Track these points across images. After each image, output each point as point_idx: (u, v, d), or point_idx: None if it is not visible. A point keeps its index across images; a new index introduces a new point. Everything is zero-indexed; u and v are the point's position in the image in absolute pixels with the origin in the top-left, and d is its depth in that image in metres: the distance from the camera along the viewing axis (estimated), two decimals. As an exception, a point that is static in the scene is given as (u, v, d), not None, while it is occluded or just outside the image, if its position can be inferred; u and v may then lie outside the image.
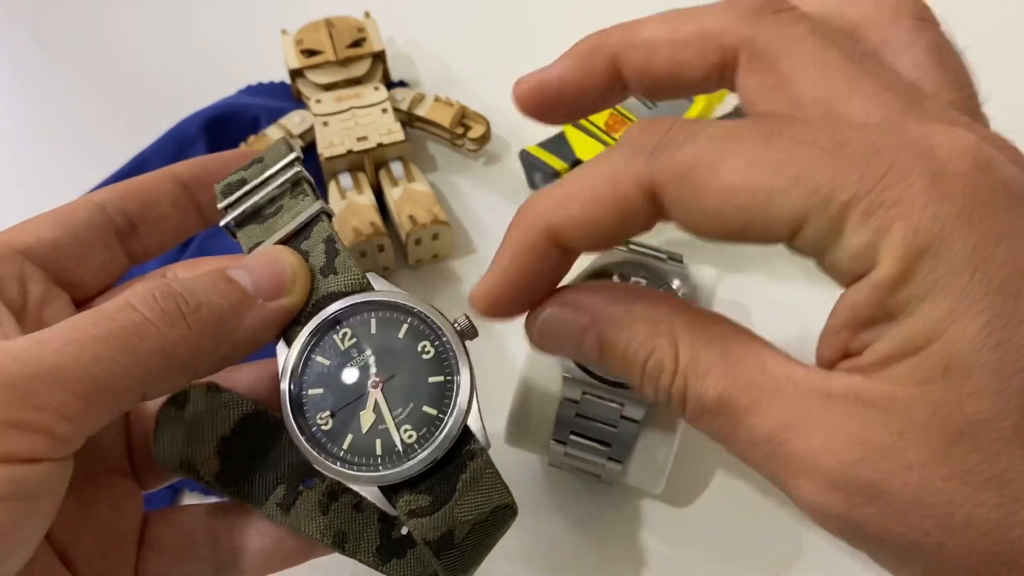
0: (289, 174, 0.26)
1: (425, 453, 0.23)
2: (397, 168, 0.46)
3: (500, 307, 0.22)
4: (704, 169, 0.18)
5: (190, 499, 0.38)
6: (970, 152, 0.17)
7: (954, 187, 0.16)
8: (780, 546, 0.36)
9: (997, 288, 0.16)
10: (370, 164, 0.46)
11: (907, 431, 0.16)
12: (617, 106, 0.45)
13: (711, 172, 0.18)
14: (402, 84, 0.53)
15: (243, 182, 0.26)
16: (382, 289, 0.25)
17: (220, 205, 0.26)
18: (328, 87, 0.48)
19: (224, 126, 0.49)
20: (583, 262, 0.36)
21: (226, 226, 0.26)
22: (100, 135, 0.52)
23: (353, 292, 0.24)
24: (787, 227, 0.17)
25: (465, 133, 0.48)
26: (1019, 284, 0.16)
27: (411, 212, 0.43)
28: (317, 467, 0.23)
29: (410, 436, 0.23)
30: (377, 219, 0.43)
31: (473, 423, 0.23)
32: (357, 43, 0.49)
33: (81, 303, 0.26)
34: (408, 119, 0.49)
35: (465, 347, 0.24)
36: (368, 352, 0.24)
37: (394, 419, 0.23)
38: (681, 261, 0.36)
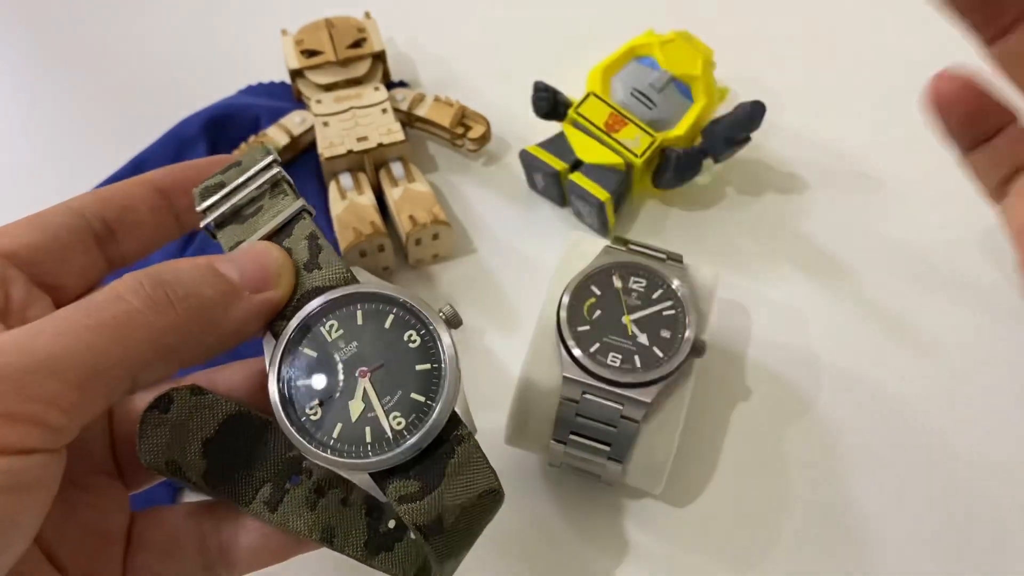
0: (268, 175, 0.26)
1: (414, 439, 0.23)
2: (397, 168, 0.46)
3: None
4: None
5: (191, 497, 0.38)
6: None
7: None
8: (780, 546, 0.36)
9: None
10: (370, 164, 0.46)
11: None
12: (616, 105, 0.45)
13: None
14: (402, 84, 0.53)
15: (221, 185, 0.26)
16: (368, 281, 0.25)
17: (199, 208, 0.26)
18: (328, 87, 0.48)
19: (224, 126, 0.49)
20: (582, 263, 0.36)
21: (206, 227, 0.26)
22: (100, 135, 0.52)
23: (338, 285, 0.25)
24: None
25: (465, 133, 0.48)
26: None
27: (411, 212, 0.43)
28: (308, 457, 0.24)
29: (399, 423, 0.23)
30: (377, 219, 0.43)
31: (460, 409, 0.24)
32: (357, 43, 0.49)
33: (62, 306, 0.26)
34: (408, 119, 0.49)
35: (450, 335, 0.25)
36: (355, 343, 0.24)
37: (383, 406, 0.24)
38: (681, 261, 0.36)
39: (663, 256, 0.36)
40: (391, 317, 0.25)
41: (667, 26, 0.48)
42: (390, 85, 0.51)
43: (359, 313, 0.25)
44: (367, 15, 0.51)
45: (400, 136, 0.46)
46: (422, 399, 0.24)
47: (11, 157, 0.52)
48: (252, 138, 0.48)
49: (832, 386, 0.40)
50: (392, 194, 0.45)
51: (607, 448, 0.33)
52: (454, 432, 0.24)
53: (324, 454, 0.23)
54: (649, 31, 0.48)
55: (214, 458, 0.25)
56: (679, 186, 0.45)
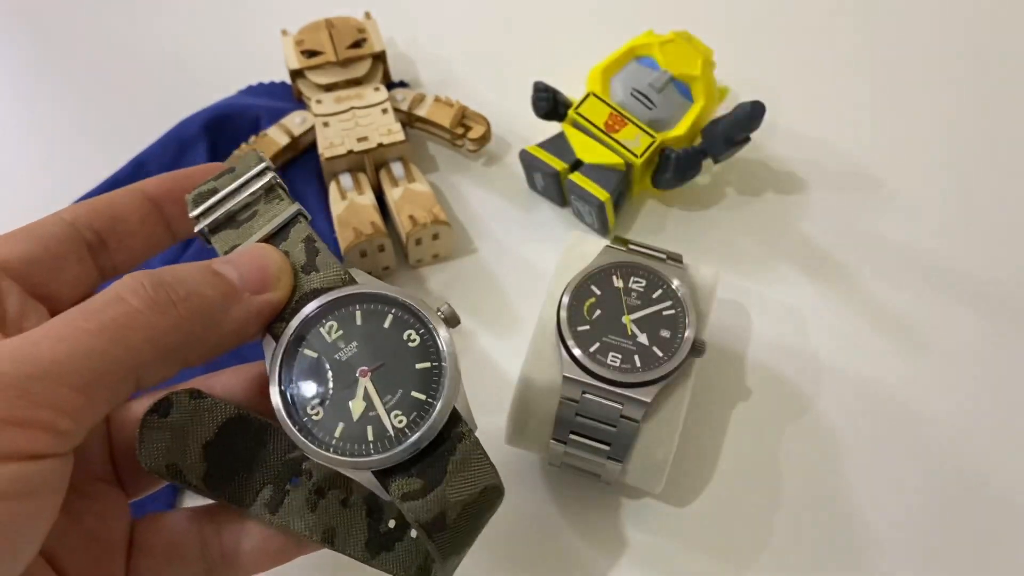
0: (263, 181, 0.27)
1: (416, 436, 0.23)
2: (397, 168, 0.46)
3: None
4: None
5: (191, 501, 0.38)
6: None
7: None
8: (780, 546, 0.36)
9: None
10: (370, 164, 0.46)
11: None
12: (615, 105, 0.45)
13: None
14: (402, 84, 0.53)
15: (214, 191, 0.27)
16: (366, 282, 0.25)
17: (192, 214, 0.26)
18: (329, 87, 0.48)
19: (225, 126, 0.49)
20: (582, 263, 0.36)
21: (200, 232, 0.26)
22: (100, 136, 0.52)
23: (336, 287, 0.25)
24: None
25: (465, 133, 0.48)
26: None
27: (411, 212, 0.43)
28: (311, 456, 0.24)
29: (400, 421, 0.24)
30: (377, 219, 0.43)
31: (460, 406, 0.24)
32: (357, 44, 0.49)
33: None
34: (408, 119, 0.49)
35: (450, 333, 0.25)
36: (355, 343, 0.25)
37: (384, 405, 0.24)
38: (681, 261, 0.36)
39: (663, 256, 0.36)
40: (390, 317, 0.25)
41: (667, 26, 0.48)
42: (390, 85, 0.51)
43: (358, 314, 0.25)
44: (367, 15, 0.51)
45: (400, 136, 0.46)
46: (423, 397, 0.24)
47: (12, 157, 0.52)
48: (252, 138, 0.48)
49: (831, 386, 0.40)
50: (392, 194, 0.45)
51: (607, 448, 0.33)
52: (455, 429, 0.24)
53: (327, 453, 0.23)
54: (649, 31, 0.48)
55: (214, 461, 0.25)
56: (679, 186, 0.45)
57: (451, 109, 0.49)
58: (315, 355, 0.24)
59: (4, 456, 0.18)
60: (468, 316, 0.43)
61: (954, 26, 0.55)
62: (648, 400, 0.32)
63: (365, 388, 0.24)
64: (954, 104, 0.52)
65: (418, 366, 0.24)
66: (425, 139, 0.51)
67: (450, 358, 0.24)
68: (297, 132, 0.47)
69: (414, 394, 0.24)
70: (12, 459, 0.18)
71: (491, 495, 0.24)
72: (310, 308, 0.25)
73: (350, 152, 0.45)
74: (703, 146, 0.44)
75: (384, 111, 0.47)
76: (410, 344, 0.25)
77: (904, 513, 0.37)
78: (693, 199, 0.47)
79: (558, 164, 0.44)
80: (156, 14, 0.59)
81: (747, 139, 0.44)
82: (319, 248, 0.26)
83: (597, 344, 0.33)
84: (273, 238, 0.26)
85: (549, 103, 0.45)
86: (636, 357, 0.33)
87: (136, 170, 0.48)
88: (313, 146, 0.47)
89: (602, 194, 0.42)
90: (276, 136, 0.47)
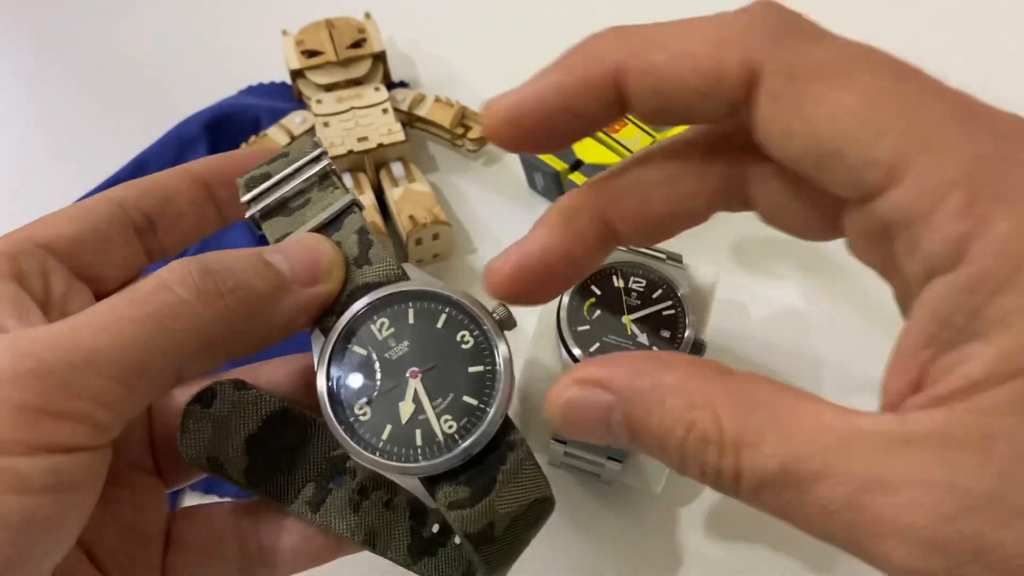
0: (317, 168, 0.25)
1: (466, 444, 0.22)
2: (397, 168, 0.46)
3: (524, 121, 0.19)
4: (824, 77, 0.16)
5: (191, 499, 0.38)
6: None
7: None
8: (780, 545, 0.36)
9: None
10: (371, 164, 0.46)
11: (1010, 471, 0.14)
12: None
13: (830, 81, 0.16)
14: (403, 84, 0.53)
15: (267, 176, 0.26)
16: (420, 278, 0.24)
17: (244, 198, 0.25)
18: (329, 87, 0.48)
19: (225, 126, 0.49)
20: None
21: (251, 217, 0.25)
22: (101, 136, 0.52)
23: (389, 282, 0.24)
24: (879, 175, 0.16)
25: (465, 133, 0.48)
26: None
27: (411, 212, 0.43)
28: (356, 459, 0.23)
29: (450, 426, 0.23)
30: (378, 219, 0.43)
31: (512, 413, 0.23)
32: (358, 44, 0.49)
33: (102, 298, 0.26)
34: (408, 119, 0.49)
35: (505, 336, 0.24)
36: (406, 342, 0.23)
37: (434, 409, 0.23)
38: (681, 261, 0.36)
39: (663, 256, 0.36)
40: (444, 316, 0.24)
41: (667, 26, 0.48)
42: (390, 85, 0.51)
43: (411, 312, 0.24)
44: (367, 15, 0.51)
45: (400, 136, 0.46)
46: (475, 402, 0.23)
47: (12, 157, 0.52)
48: (253, 138, 0.48)
49: (831, 385, 0.40)
50: (392, 194, 0.45)
51: (607, 447, 0.33)
52: (507, 438, 0.23)
53: (372, 456, 0.22)
54: (649, 31, 0.48)
55: (256, 455, 0.25)
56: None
57: (451, 109, 0.49)
58: (365, 352, 0.23)
59: (41, 448, 0.18)
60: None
61: (955, 26, 0.55)
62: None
63: (415, 390, 0.23)
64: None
65: (471, 369, 0.23)
66: (425, 139, 0.51)
67: (504, 363, 0.23)
68: (297, 132, 0.47)
69: (466, 399, 0.23)
70: (49, 451, 0.18)
71: (541, 508, 0.23)
72: (361, 303, 0.24)
73: (350, 152, 0.45)
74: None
75: (384, 111, 0.47)
76: (463, 346, 0.24)
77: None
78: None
79: (558, 164, 0.44)
80: (157, 14, 0.59)
81: (747, 139, 0.44)
82: (372, 240, 0.24)
83: (597, 344, 0.33)
84: (326, 228, 0.25)
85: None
86: (636, 357, 0.33)
87: (136, 170, 0.48)
88: (313, 146, 0.47)
89: (602, 194, 0.42)
90: (276, 136, 0.47)
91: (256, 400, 0.25)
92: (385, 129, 0.46)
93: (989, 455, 0.14)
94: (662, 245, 0.36)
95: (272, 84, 0.53)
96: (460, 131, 0.48)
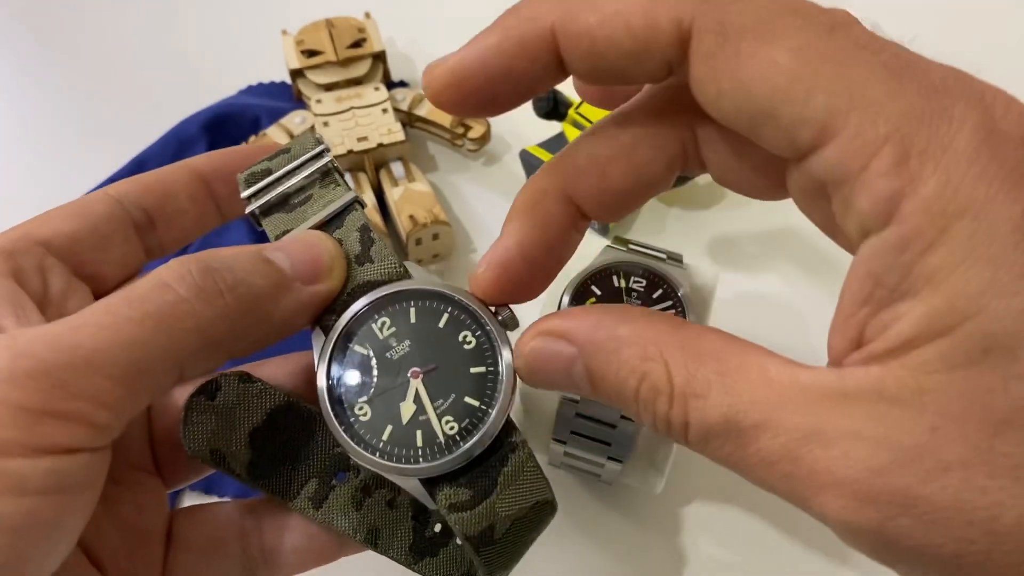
0: (319, 164, 0.25)
1: (467, 445, 0.22)
2: (397, 168, 0.46)
3: (464, 84, 0.20)
4: (755, 34, 0.16)
5: (190, 500, 0.38)
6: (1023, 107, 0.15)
7: (1006, 148, 0.15)
8: (780, 545, 0.36)
9: None
10: (370, 164, 0.46)
11: (941, 426, 0.14)
12: (617, 106, 0.45)
13: (761, 39, 0.16)
14: (402, 84, 0.53)
15: (268, 171, 0.25)
16: (422, 277, 0.24)
17: (244, 194, 0.25)
18: (329, 87, 0.48)
19: (225, 126, 0.49)
20: (582, 263, 0.36)
21: (251, 213, 0.25)
22: (100, 135, 0.52)
23: (391, 280, 0.24)
24: (812, 133, 0.16)
25: (465, 133, 0.48)
26: None
27: (411, 212, 0.43)
28: (355, 459, 0.23)
29: (452, 427, 0.22)
30: (377, 219, 0.43)
31: (514, 415, 0.23)
32: (357, 43, 0.49)
33: (101, 296, 0.25)
34: (408, 119, 0.49)
35: (507, 337, 0.23)
36: (407, 342, 0.23)
37: (435, 410, 0.23)
38: (681, 261, 0.36)
39: (663, 256, 0.36)
40: (446, 316, 0.23)
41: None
42: (390, 85, 0.51)
43: (412, 311, 0.23)
44: (367, 15, 0.51)
45: (400, 136, 0.46)
46: (476, 403, 0.23)
47: (12, 157, 0.52)
48: (252, 138, 0.48)
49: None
50: (392, 194, 0.45)
51: (607, 448, 0.33)
52: (508, 439, 0.23)
53: (372, 457, 0.22)
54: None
55: (259, 449, 0.24)
56: (679, 186, 0.45)
57: (451, 109, 0.49)
58: (366, 352, 0.23)
59: (40, 449, 0.17)
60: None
61: (955, 25, 0.55)
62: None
63: (416, 390, 0.23)
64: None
65: (473, 370, 0.23)
66: (425, 139, 0.51)
67: (507, 364, 0.23)
68: (297, 132, 0.47)
69: (467, 400, 0.23)
70: (48, 452, 0.17)
71: (543, 510, 0.23)
72: (363, 302, 0.23)
73: (350, 152, 0.45)
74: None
75: (384, 111, 0.47)
76: (465, 346, 0.23)
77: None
78: (693, 199, 0.47)
79: (558, 164, 0.44)
80: (156, 14, 0.59)
81: (747, 139, 0.44)
82: (374, 238, 0.24)
83: (597, 344, 0.33)
84: (327, 225, 0.24)
85: (549, 103, 0.45)
86: (636, 357, 0.33)
87: (136, 169, 0.48)
88: (313, 146, 0.47)
89: (602, 194, 0.42)
90: (276, 136, 0.47)
91: (261, 393, 0.24)
92: (385, 129, 0.46)
93: (920, 410, 0.15)
94: (662, 245, 0.36)
95: (272, 84, 0.53)
96: (460, 131, 0.48)
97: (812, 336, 0.42)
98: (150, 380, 0.19)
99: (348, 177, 0.45)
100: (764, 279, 0.44)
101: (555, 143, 0.45)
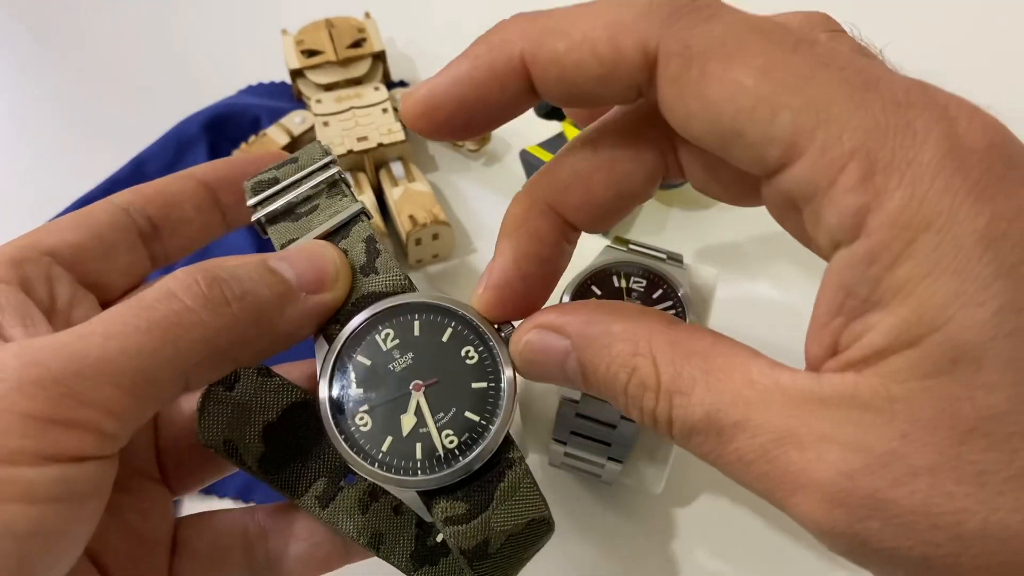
0: (326, 175, 0.25)
1: (467, 460, 0.22)
2: (397, 168, 0.46)
3: (439, 112, 0.20)
4: (720, 55, 0.16)
5: (190, 500, 0.38)
6: (989, 127, 0.15)
7: (970, 161, 0.15)
8: (780, 545, 0.36)
9: (1009, 271, 0.14)
10: (370, 164, 0.46)
11: (911, 433, 0.15)
12: (617, 106, 0.45)
13: (726, 60, 0.16)
14: (403, 84, 0.53)
15: (275, 180, 0.25)
16: (425, 291, 0.24)
17: (250, 202, 0.25)
18: (328, 87, 0.48)
19: (224, 126, 0.49)
20: (582, 263, 0.36)
21: (257, 222, 0.25)
22: (100, 135, 0.52)
23: (395, 293, 0.24)
24: (779, 152, 0.16)
25: (465, 133, 0.48)
26: None
27: (411, 212, 0.43)
28: (354, 468, 0.23)
29: (451, 441, 0.23)
30: (377, 219, 0.43)
31: (516, 428, 0.23)
32: (357, 43, 0.49)
33: (107, 305, 0.25)
34: (408, 119, 0.49)
35: (509, 354, 0.24)
36: (410, 354, 0.23)
37: (435, 423, 0.23)
38: (681, 261, 0.36)
39: (663, 256, 0.36)
40: (449, 331, 0.24)
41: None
42: (390, 85, 0.51)
43: (416, 324, 0.24)
44: (367, 15, 0.51)
45: (400, 136, 0.46)
46: (476, 419, 0.23)
47: (11, 156, 0.52)
48: (252, 138, 0.48)
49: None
50: (392, 194, 0.45)
51: (607, 448, 0.33)
52: (506, 455, 0.23)
53: (371, 467, 0.22)
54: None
55: (272, 444, 0.24)
56: (679, 186, 0.45)
57: (451, 109, 0.48)
58: (368, 363, 0.23)
59: (48, 457, 0.17)
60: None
61: (957, 24, 0.55)
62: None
63: (418, 403, 0.23)
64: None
65: (474, 385, 0.23)
66: (425, 139, 0.51)
67: (508, 381, 0.23)
68: (297, 132, 0.47)
69: (468, 414, 0.23)
70: (56, 461, 0.17)
71: (538, 528, 0.23)
72: (367, 313, 0.23)
73: (350, 152, 0.45)
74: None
75: (384, 111, 0.47)
76: (468, 361, 0.23)
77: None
78: (693, 199, 0.47)
79: (558, 164, 0.44)
80: (156, 14, 0.59)
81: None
82: (380, 249, 0.24)
83: (597, 344, 0.33)
84: (333, 235, 0.24)
85: (549, 103, 0.45)
86: (636, 357, 0.33)
87: (136, 169, 0.48)
88: (313, 146, 0.47)
89: (602, 194, 0.42)
90: (276, 136, 0.47)
91: (279, 388, 0.25)
92: (385, 129, 0.46)
93: (891, 417, 0.15)
94: (662, 245, 0.36)
95: (272, 84, 0.52)
96: (460, 131, 0.48)
97: (812, 336, 0.42)
98: (157, 389, 0.20)
99: (351, 177, 0.45)
100: (764, 279, 0.44)
101: (555, 143, 0.45)
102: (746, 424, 0.17)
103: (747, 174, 0.18)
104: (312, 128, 0.47)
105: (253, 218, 0.25)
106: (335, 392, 0.23)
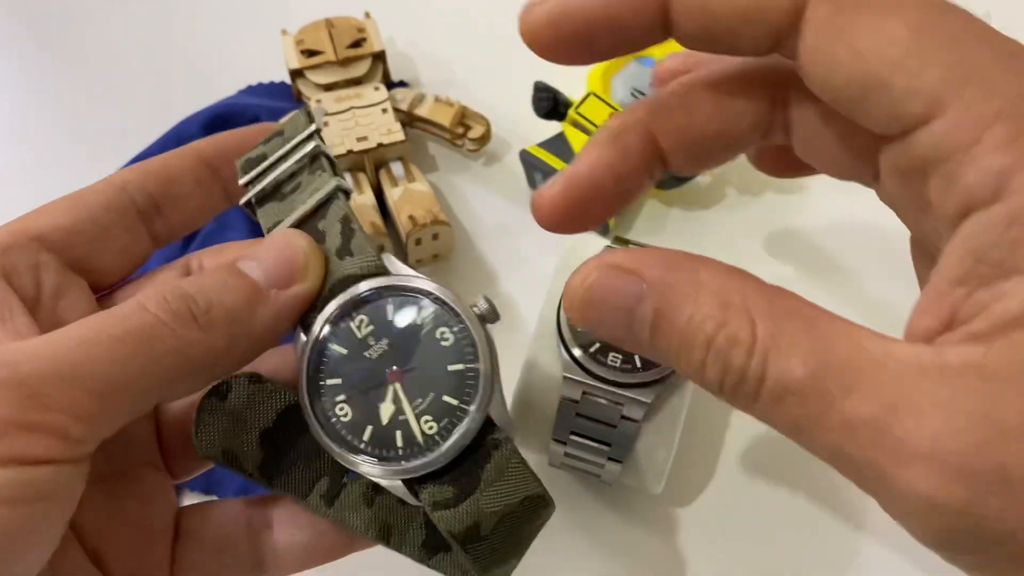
0: (307, 148, 0.24)
1: (446, 445, 0.22)
2: (397, 168, 0.46)
3: (561, 29, 0.19)
4: (871, 8, 0.16)
5: (190, 500, 0.38)
6: None
7: None
8: (781, 545, 0.36)
9: None
10: (370, 164, 0.46)
11: None
12: (616, 105, 0.45)
13: (877, 14, 0.16)
14: (402, 84, 0.53)
15: (263, 157, 0.25)
16: (399, 272, 0.23)
17: (241, 182, 0.25)
18: (328, 87, 0.48)
19: (224, 126, 0.49)
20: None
21: (247, 203, 0.25)
22: (99, 135, 0.52)
23: (368, 275, 0.23)
24: (922, 105, 0.16)
25: (465, 133, 0.48)
26: None
27: (411, 212, 0.43)
28: (337, 459, 0.22)
29: (431, 427, 0.22)
30: (377, 219, 0.43)
31: (496, 412, 0.22)
32: (357, 43, 0.49)
33: (101, 289, 0.25)
34: (408, 119, 0.49)
35: (486, 332, 0.23)
36: (385, 340, 0.23)
37: (414, 410, 0.22)
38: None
39: (663, 256, 0.36)
40: (422, 312, 0.23)
41: (667, 26, 0.48)
42: (390, 85, 0.51)
43: (389, 308, 0.23)
44: (367, 15, 0.51)
45: (400, 136, 0.46)
46: (455, 402, 0.22)
47: (11, 156, 0.52)
48: (252, 138, 0.48)
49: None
50: (392, 194, 0.45)
51: (607, 448, 0.33)
52: (489, 436, 0.22)
53: (354, 458, 0.22)
54: (649, 31, 0.48)
55: (271, 449, 0.24)
56: (679, 186, 0.45)
57: (451, 109, 0.48)
58: (345, 352, 0.23)
59: (8, 460, 0.17)
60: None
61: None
62: (649, 400, 0.32)
63: (395, 390, 0.22)
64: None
65: (451, 368, 0.22)
66: (425, 139, 0.51)
67: (485, 361, 0.22)
68: (297, 132, 0.47)
69: (446, 399, 0.22)
70: (18, 463, 0.17)
71: (532, 505, 0.23)
72: (340, 300, 0.23)
73: (350, 152, 0.45)
74: (703, 146, 0.44)
75: (384, 111, 0.47)
76: (443, 343, 0.23)
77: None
78: (693, 199, 0.47)
79: (558, 164, 0.44)
80: (156, 14, 0.59)
81: (747, 139, 0.44)
82: (354, 229, 0.24)
83: (597, 344, 0.33)
84: (313, 215, 0.24)
85: (549, 103, 0.45)
86: (637, 357, 0.33)
87: (136, 170, 0.48)
88: (313, 146, 0.47)
89: (602, 194, 0.42)
90: (276, 136, 0.47)
91: (272, 394, 0.24)
92: (385, 129, 0.46)
93: None
94: (662, 245, 0.36)
95: (272, 84, 0.52)
96: (460, 131, 0.48)
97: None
98: (128, 397, 0.20)
99: (348, 177, 0.45)
100: (764, 279, 0.44)
101: (555, 143, 0.45)
102: (857, 387, 0.15)
103: (859, 143, 0.18)
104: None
105: (242, 200, 0.25)
106: (314, 384, 0.23)
